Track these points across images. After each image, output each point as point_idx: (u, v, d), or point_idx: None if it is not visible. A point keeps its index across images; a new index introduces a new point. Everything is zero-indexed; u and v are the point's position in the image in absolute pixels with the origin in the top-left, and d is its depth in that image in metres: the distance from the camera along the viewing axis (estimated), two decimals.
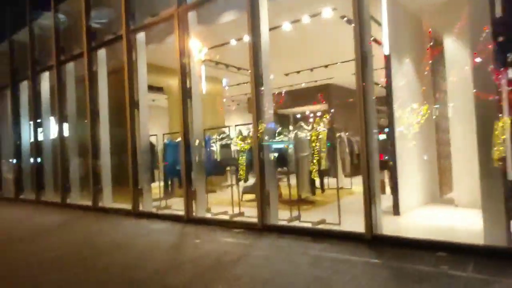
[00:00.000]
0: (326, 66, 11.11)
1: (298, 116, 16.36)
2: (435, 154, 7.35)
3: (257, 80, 5.60)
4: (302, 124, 5.69)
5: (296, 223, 5.57)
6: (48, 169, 10.50)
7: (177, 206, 7.35)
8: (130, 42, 7.62)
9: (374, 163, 4.44)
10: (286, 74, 11.75)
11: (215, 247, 4.66)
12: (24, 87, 11.66)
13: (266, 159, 5.55)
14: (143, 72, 7.70)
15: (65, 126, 9.65)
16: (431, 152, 7.19)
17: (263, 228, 5.34)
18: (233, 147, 6.99)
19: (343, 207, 5.35)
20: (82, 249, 5.08)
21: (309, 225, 5.32)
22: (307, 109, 14.89)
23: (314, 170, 5.60)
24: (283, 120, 16.61)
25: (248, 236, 5.12)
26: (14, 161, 12.60)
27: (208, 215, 6.59)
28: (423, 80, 6.85)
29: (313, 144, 5.56)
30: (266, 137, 5.53)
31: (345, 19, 7.13)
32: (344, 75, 12.73)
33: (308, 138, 5.74)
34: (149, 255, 4.59)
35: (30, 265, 4.37)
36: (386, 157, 5.92)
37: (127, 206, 7.58)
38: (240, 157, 6.41)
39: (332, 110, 12.72)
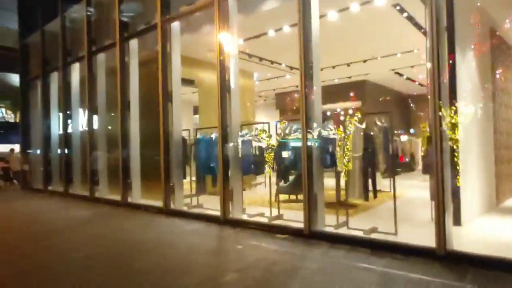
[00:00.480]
0: (364, 61, 10.48)
1: (328, 114, 15.74)
2: (493, 158, 6.68)
3: (307, 73, 5.13)
4: (355, 122, 5.15)
5: (344, 230, 5.07)
6: (77, 161, 10.37)
7: (208, 204, 7.00)
8: (164, 32, 7.27)
9: (446, 166, 3.89)
10: (321, 69, 11.12)
11: (261, 255, 4.23)
12: (55, 78, 11.57)
13: (315, 159, 5.07)
14: (177, 63, 7.35)
15: (95, 118, 9.45)
16: (489, 155, 6.52)
17: (310, 235, 4.87)
18: (264, 144, 6.59)
19: (390, 212, 4.80)
20: (116, 248, 4.77)
21: (360, 233, 4.81)
22: (339, 106, 14.25)
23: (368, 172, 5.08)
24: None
25: (295, 243, 4.66)
26: (40, 152, 12.61)
27: (244, 216, 6.18)
28: (486, 78, 6.19)
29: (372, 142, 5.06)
30: (315, 135, 5.05)
31: (398, 7, 6.53)
32: (382, 71, 12.07)
33: (362, 136, 5.21)
34: (190, 259, 4.21)
35: (62, 263, 4.07)
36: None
37: (157, 202, 7.29)
38: (270, 154, 5.96)
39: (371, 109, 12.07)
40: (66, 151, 10.47)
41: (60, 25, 10.67)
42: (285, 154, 5.90)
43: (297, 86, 5.74)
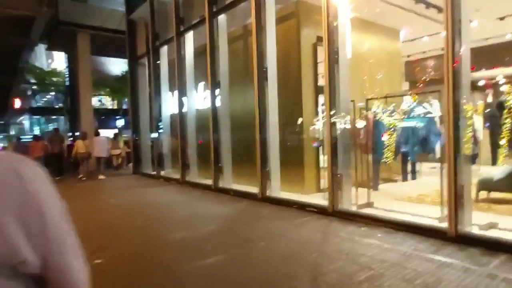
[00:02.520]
0: None
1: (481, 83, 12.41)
2: None
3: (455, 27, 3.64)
4: None
5: None
6: (192, 144, 9.17)
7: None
8: (258, 3, 6.21)
9: None
10: (501, 18, 8.20)
11: None
12: (164, 52, 10.50)
13: None
14: (272, 36, 6.32)
15: (216, 95, 8.00)
16: None
17: None
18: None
19: None
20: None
21: None
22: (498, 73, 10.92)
23: None
24: None
25: None
26: (149, 135, 11.87)
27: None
28: None
29: None
30: None
31: None
32: None
33: None
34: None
35: None
36: None
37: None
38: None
39: None
40: (179, 133, 9.30)
41: None
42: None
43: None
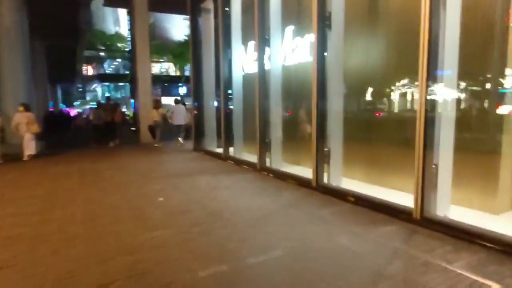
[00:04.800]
0: None
1: None
2: None
3: None
4: None
5: None
6: (276, 113, 6.48)
7: None
8: None
9: None
10: None
11: None
12: None
13: None
14: None
15: (271, 50, 5.08)
16: None
17: None
18: None
19: None
20: None
21: None
22: None
23: None
24: None
25: None
26: (213, 102, 9.50)
27: None
28: None
29: None
30: None
31: None
32: None
33: None
34: None
35: None
36: None
37: None
38: None
39: None
40: (258, 100, 6.60)
41: None
42: None
43: None
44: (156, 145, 11.79)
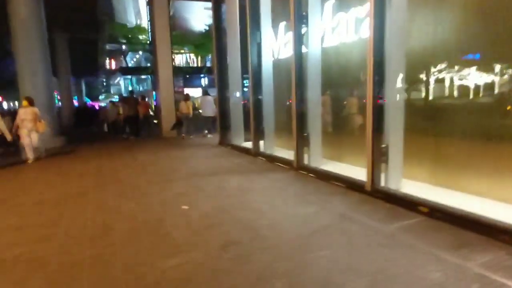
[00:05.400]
0: None
1: None
2: None
3: None
4: None
5: None
6: (314, 104, 5.56)
7: None
8: None
9: None
10: None
11: None
12: None
13: None
14: None
15: (309, 29, 4.11)
16: None
17: None
18: None
19: None
20: None
21: None
22: None
23: None
24: None
25: None
26: (237, 92, 8.69)
27: None
28: None
29: None
30: None
31: None
32: None
33: None
34: None
35: None
36: None
37: None
38: None
39: None
40: (296, 86, 5.66)
41: None
42: None
43: None
44: (183, 135, 11.72)
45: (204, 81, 31.54)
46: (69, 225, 3.65)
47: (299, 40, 5.51)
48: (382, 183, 4.08)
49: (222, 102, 9.40)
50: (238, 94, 8.86)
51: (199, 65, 33.26)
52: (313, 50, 5.46)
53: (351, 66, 5.40)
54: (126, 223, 3.63)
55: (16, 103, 25.84)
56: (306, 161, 5.61)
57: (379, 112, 3.98)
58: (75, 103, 26.59)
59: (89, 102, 37.47)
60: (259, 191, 4.65)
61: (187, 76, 31.55)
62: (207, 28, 29.52)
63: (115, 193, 4.87)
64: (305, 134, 5.58)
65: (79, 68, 25.96)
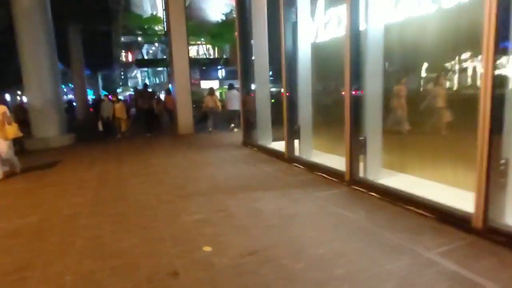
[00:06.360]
0: None
1: None
2: None
3: None
4: None
5: None
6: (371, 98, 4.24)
7: None
8: None
9: None
10: None
11: None
12: None
13: None
14: None
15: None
16: None
17: None
18: None
19: None
20: None
21: None
22: None
23: None
24: None
25: None
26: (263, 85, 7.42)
27: None
28: None
29: None
30: None
31: None
32: None
33: None
34: None
35: None
36: None
37: None
38: None
39: None
40: (350, 74, 4.36)
41: None
42: None
43: None
44: (210, 129, 11.16)
45: (221, 72, 30.34)
46: (43, 276, 2.50)
47: (355, 15, 4.16)
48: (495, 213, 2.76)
49: (247, 95, 8.14)
50: (265, 87, 7.58)
51: (216, 56, 32.08)
52: (373, 27, 4.12)
53: (431, 47, 4.05)
54: (123, 277, 2.44)
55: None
56: (361, 173, 4.30)
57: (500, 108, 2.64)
58: (90, 97, 25.84)
59: (103, 95, 36.84)
60: (310, 220, 3.38)
61: (204, 68, 30.42)
62: (223, 18, 28.23)
63: (115, 217, 3.71)
64: (361, 138, 4.27)
65: (95, 62, 25.17)
